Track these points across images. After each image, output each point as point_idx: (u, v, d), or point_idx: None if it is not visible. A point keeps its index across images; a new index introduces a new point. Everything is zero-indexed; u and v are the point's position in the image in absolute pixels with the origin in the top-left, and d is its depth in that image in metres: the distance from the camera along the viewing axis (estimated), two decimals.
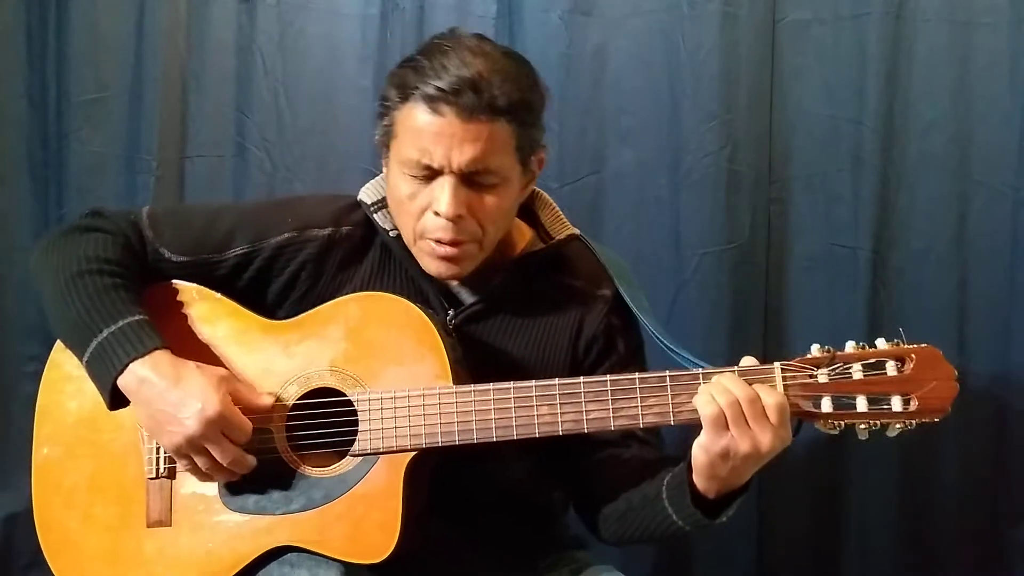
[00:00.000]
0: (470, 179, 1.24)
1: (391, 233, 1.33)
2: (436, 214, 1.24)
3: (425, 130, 1.21)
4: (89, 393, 1.29)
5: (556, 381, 1.21)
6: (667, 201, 1.91)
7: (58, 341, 1.34)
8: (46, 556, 1.32)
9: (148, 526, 1.29)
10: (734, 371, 1.17)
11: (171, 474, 1.29)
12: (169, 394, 1.20)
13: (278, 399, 1.27)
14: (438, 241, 1.26)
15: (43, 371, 1.36)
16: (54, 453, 1.34)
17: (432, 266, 1.29)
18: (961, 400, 1.82)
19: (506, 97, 1.21)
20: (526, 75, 1.27)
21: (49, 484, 1.34)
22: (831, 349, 1.16)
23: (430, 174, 1.24)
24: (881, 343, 1.17)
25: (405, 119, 1.24)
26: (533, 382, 1.22)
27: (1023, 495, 1.85)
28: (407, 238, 1.30)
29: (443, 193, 1.23)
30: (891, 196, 1.86)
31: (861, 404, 1.15)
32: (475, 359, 1.29)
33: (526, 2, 1.92)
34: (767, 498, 1.91)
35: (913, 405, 1.14)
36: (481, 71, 1.21)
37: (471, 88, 1.20)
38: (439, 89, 1.20)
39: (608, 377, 1.21)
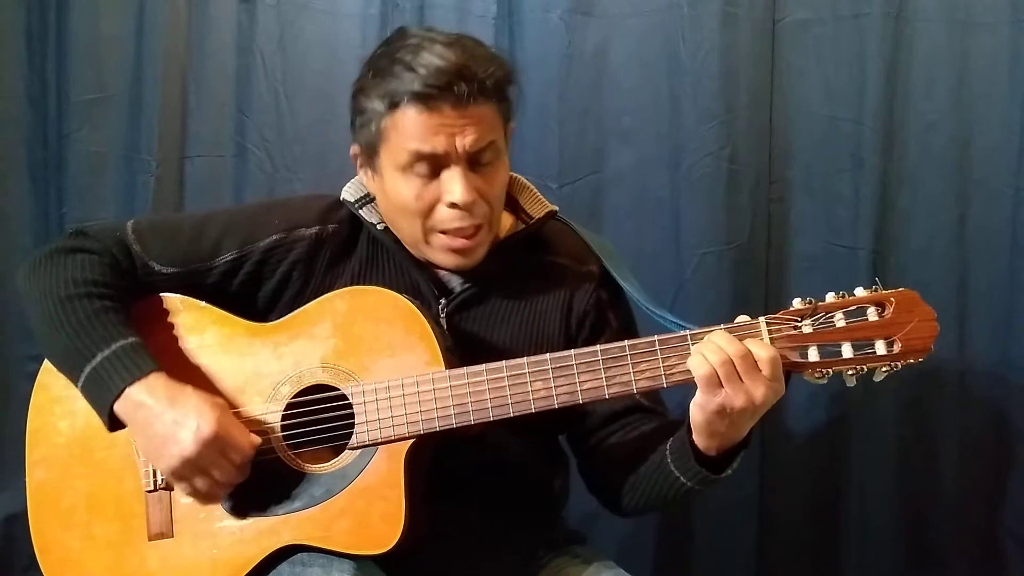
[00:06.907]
0: (474, 161, 1.25)
1: (379, 226, 1.33)
2: (452, 205, 1.24)
3: (425, 127, 1.22)
4: (80, 413, 1.29)
5: (548, 356, 1.21)
6: (667, 201, 1.91)
7: (44, 363, 1.33)
8: None
9: (150, 539, 1.28)
10: (721, 329, 1.17)
11: (168, 485, 1.28)
12: (165, 415, 1.19)
13: (271, 399, 1.27)
14: (455, 233, 1.26)
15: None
16: (49, 476, 1.33)
17: (448, 260, 1.29)
18: (961, 400, 1.86)
19: (492, 79, 1.24)
20: (493, 53, 1.28)
21: (46, 507, 1.32)
22: (812, 300, 1.18)
23: (434, 168, 1.24)
24: (860, 291, 1.19)
25: (398, 123, 1.23)
26: (525, 359, 1.22)
27: (1023, 495, 1.85)
28: (414, 239, 1.29)
29: (455, 183, 1.24)
30: (891, 196, 1.86)
31: (846, 351, 1.17)
32: (470, 345, 1.29)
33: (526, 2, 1.92)
34: (767, 498, 1.91)
35: (897, 347, 1.17)
36: (461, 60, 1.22)
37: (460, 78, 1.21)
38: (429, 87, 1.20)
39: (598, 347, 1.21)
